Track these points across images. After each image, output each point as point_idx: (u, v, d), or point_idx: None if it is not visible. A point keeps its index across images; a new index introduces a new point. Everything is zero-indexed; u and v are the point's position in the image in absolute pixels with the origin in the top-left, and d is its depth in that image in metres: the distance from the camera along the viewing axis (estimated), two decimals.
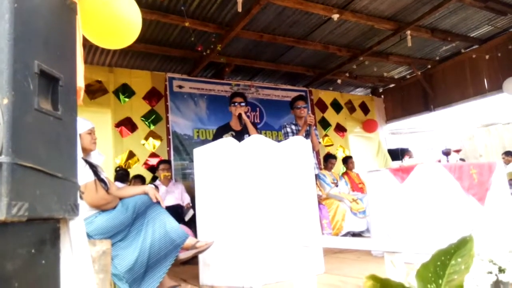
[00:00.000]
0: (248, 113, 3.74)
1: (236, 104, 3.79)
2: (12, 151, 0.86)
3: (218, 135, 3.71)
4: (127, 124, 5.56)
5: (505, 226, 3.05)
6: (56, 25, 1.11)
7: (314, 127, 4.29)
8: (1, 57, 0.89)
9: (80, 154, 2.28)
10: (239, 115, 3.70)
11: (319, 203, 5.02)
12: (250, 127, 3.73)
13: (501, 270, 1.90)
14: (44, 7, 1.05)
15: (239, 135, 3.56)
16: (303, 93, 7.16)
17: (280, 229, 2.72)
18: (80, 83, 1.40)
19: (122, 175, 4.94)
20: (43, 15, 1.05)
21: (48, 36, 1.06)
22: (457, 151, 3.80)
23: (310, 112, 3.97)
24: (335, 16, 4.69)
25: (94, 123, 2.50)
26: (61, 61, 1.11)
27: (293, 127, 4.23)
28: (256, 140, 2.81)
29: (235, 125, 3.83)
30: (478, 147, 10.02)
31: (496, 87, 6.30)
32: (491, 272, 1.89)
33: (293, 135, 4.04)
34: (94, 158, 2.47)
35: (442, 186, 3.05)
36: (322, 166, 6.25)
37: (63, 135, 1.08)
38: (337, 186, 5.61)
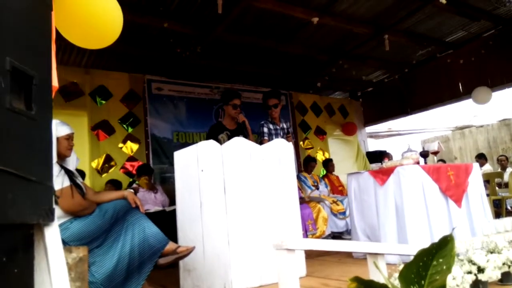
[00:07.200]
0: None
1: (236, 107, 3.71)
2: None
3: (212, 135, 3.59)
4: (104, 127, 5.40)
5: (482, 226, 3.11)
6: (30, 21, 1.05)
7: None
8: None
9: (55, 158, 2.20)
10: (243, 122, 3.65)
11: (304, 203, 5.03)
12: (250, 133, 3.69)
13: (480, 270, 1.93)
14: (16, 2, 1.00)
15: (235, 134, 3.50)
16: (277, 89, 7.10)
17: (262, 232, 2.70)
18: (54, 82, 1.34)
19: None
20: (15, 10, 0.99)
21: (21, 32, 1.00)
22: (435, 152, 3.87)
23: (292, 135, 3.99)
24: (315, 20, 4.73)
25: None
26: (35, 58, 1.05)
27: (271, 126, 3.97)
28: (237, 143, 2.79)
29: (230, 124, 3.74)
30: (453, 149, 10.28)
31: (470, 91, 6.47)
32: (470, 272, 1.92)
33: (269, 135, 3.89)
34: (70, 163, 2.39)
35: (421, 188, 3.09)
36: (302, 169, 6.26)
37: (37, 136, 1.02)
38: (317, 189, 5.64)
